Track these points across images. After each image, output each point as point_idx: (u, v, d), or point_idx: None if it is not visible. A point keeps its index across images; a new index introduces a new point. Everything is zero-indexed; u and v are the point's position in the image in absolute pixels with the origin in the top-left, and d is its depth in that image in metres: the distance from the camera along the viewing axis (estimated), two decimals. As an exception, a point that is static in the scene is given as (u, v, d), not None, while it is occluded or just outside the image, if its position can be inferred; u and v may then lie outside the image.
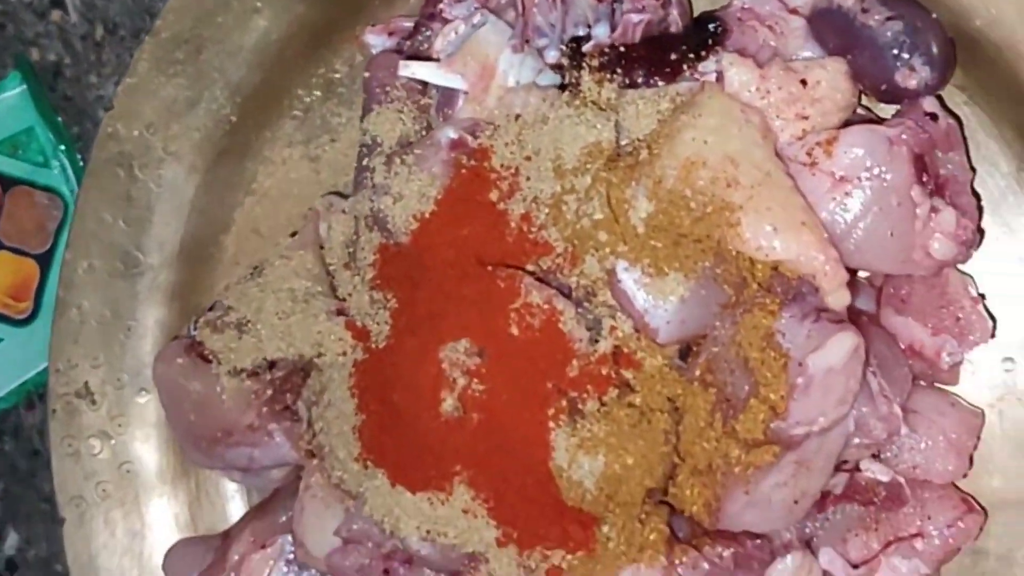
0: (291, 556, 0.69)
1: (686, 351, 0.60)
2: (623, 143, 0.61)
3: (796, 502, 0.57)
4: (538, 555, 0.59)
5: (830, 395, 0.55)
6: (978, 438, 0.62)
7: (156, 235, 0.73)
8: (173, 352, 0.69)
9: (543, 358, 0.58)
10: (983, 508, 0.62)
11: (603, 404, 0.58)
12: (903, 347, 0.61)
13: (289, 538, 0.68)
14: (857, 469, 0.60)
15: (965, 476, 0.62)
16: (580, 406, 0.58)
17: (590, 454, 0.57)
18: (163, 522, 0.75)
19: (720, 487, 0.57)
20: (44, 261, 0.80)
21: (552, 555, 0.59)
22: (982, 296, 0.62)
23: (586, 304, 0.59)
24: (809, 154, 0.58)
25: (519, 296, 0.59)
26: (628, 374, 0.59)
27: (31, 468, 0.83)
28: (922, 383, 0.63)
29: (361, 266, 0.65)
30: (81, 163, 0.80)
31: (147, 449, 0.74)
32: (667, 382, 0.58)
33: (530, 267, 0.60)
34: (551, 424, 0.57)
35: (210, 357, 0.67)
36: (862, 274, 0.64)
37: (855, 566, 0.61)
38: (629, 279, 0.58)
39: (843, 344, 0.55)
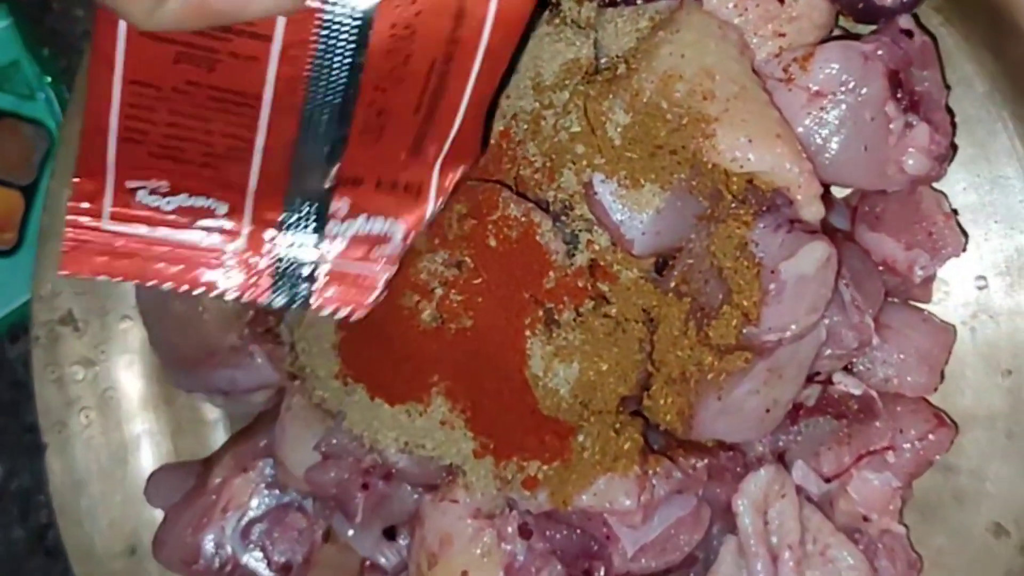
0: (272, 479, 0.70)
1: (662, 265, 0.60)
2: (602, 61, 0.61)
3: (768, 411, 0.58)
4: (514, 466, 0.60)
5: (802, 302, 0.55)
6: (949, 352, 0.63)
7: (140, 162, 0.73)
8: (156, 274, 0.69)
9: (520, 270, 0.59)
10: (955, 423, 0.63)
11: (579, 315, 0.59)
12: (877, 262, 0.62)
13: (271, 461, 0.69)
14: (830, 382, 0.60)
15: (935, 390, 0.63)
16: (556, 317, 0.59)
17: (565, 362, 0.58)
18: (145, 448, 0.75)
19: (693, 395, 0.57)
20: (29, 193, 0.80)
21: (528, 466, 0.59)
22: (955, 212, 0.63)
23: (563, 218, 0.60)
24: (785, 70, 0.59)
25: (497, 209, 0.59)
26: (604, 287, 0.59)
27: (14, 399, 0.83)
28: (895, 300, 0.64)
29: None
30: (67, 95, 0.80)
31: (130, 376, 0.75)
32: (642, 294, 0.59)
33: (509, 181, 0.61)
34: (527, 334, 0.58)
35: (193, 277, 0.67)
36: (840, 195, 0.65)
37: (827, 479, 0.62)
38: (606, 191, 0.58)
39: (815, 252, 0.55)
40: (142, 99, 0.50)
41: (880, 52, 0.58)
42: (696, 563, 0.62)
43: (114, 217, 0.54)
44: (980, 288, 0.65)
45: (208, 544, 0.69)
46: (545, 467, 0.59)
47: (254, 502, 0.70)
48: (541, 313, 0.58)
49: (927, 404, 0.63)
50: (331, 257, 0.56)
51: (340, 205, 0.55)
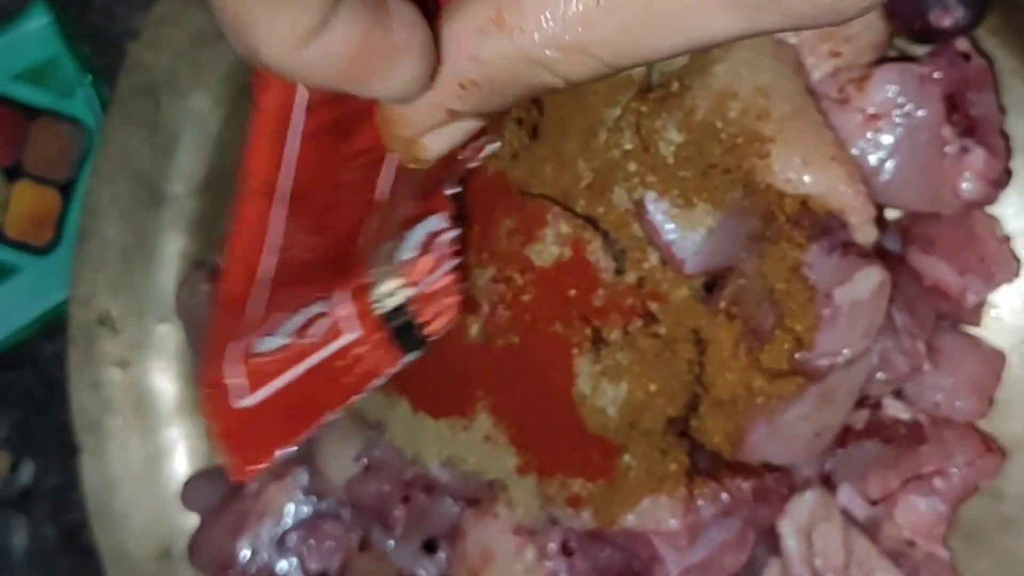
0: (308, 487, 0.69)
1: (712, 284, 0.60)
2: (654, 78, 0.61)
3: (818, 435, 0.57)
4: (558, 483, 0.59)
5: (855, 327, 0.55)
6: (999, 378, 0.63)
7: (181, 165, 0.73)
8: (197, 279, 0.69)
9: (569, 287, 0.59)
10: (1003, 449, 0.63)
11: (627, 334, 0.58)
12: (928, 286, 0.61)
13: (307, 468, 0.69)
14: (879, 406, 0.60)
15: (984, 416, 0.62)
16: (604, 335, 0.58)
17: (613, 381, 0.57)
18: (180, 452, 0.75)
19: (742, 418, 0.57)
20: (67, 191, 0.80)
21: (572, 483, 0.59)
22: (1007, 238, 0.62)
23: (613, 235, 0.59)
24: (841, 91, 0.58)
25: (547, 225, 0.59)
26: (653, 305, 0.59)
27: (48, 398, 0.83)
28: (945, 324, 0.63)
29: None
30: (107, 93, 0.80)
31: (166, 379, 0.75)
32: (692, 313, 0.59)
33: (558, 197, 0.60)
34: (575, 352, 0.58)
35: (234, 285, 0.67)
36: (892, 217, 0.64)
37: (873, 503, 0.61)
38: (657, 210, 0.58)
39: (870, 277, 0.55)
40: (299, 218, 0.38)
41: (937, 75, 0.58)
42: (739, 585, 0.62)
43: (253, 386, 0.45)
44: (1031, 313, 0.64)
45: (244, 550, 0.69)
46: (590, 484, 0.59)
47: (290, 509, 0.69)
48: (589, 331, 0.58)
49: (975, 430, 0.62)
50: (411, 284, 0.51)
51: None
